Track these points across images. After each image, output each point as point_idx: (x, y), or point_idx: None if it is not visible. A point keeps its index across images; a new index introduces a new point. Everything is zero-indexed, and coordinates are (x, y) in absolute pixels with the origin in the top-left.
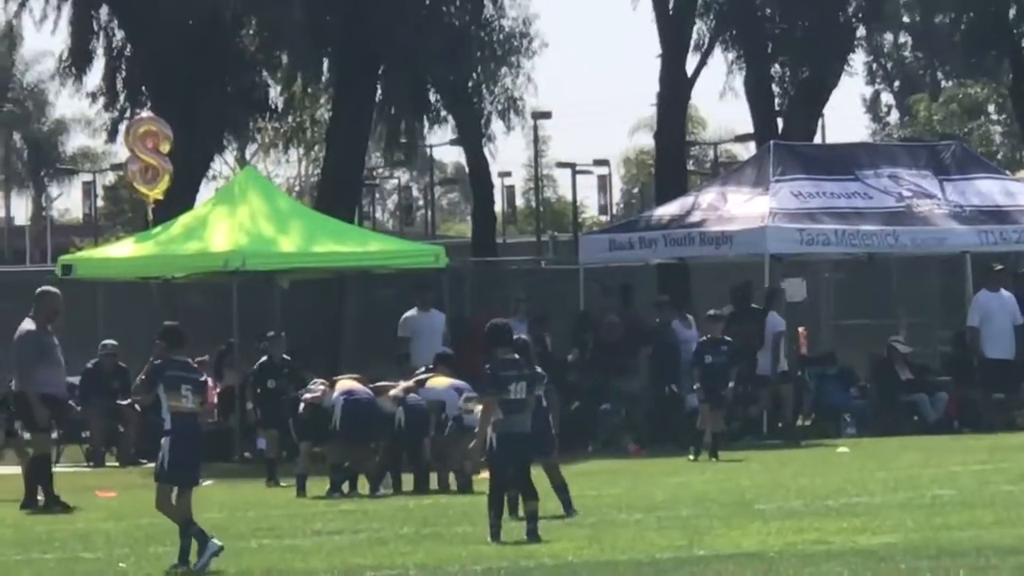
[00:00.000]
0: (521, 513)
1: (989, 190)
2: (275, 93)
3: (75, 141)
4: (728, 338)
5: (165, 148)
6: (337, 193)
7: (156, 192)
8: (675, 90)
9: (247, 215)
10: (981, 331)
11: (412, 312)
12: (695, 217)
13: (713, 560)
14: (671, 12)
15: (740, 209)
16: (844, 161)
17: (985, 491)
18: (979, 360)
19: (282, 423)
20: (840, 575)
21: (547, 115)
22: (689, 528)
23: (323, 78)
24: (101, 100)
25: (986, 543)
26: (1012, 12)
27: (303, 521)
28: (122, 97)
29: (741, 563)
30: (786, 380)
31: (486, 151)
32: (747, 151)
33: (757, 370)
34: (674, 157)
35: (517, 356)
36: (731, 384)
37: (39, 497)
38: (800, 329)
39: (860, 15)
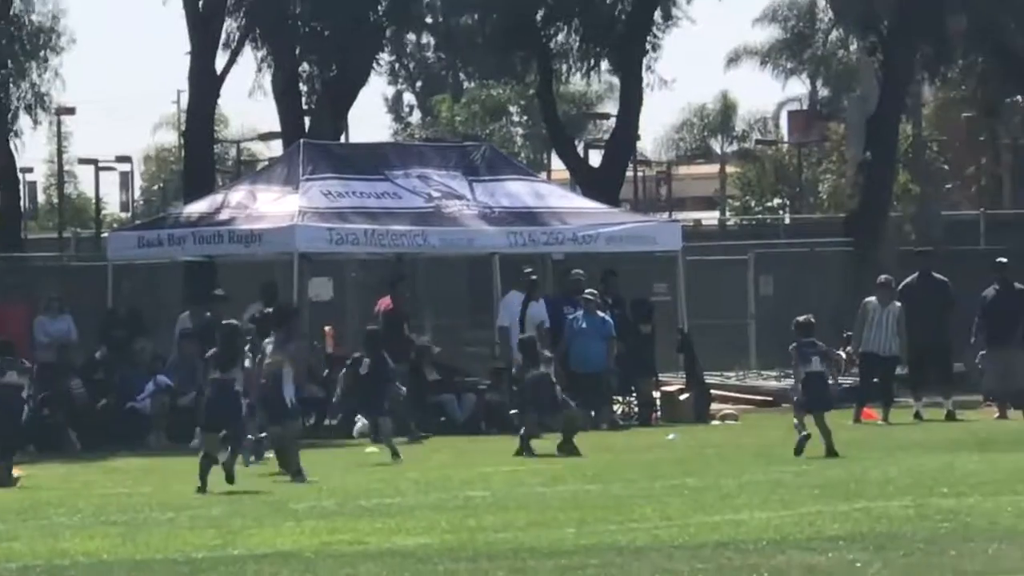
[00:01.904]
0: None
1: (519, 192)
2: None
3: None
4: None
5: None
6: None
7: None
8: (204, 88)
9: None
10: (511, 331)
11: None
12: (224, 215)
13: (249, 560)
14: (201, 9)
15: (270, 207)
16: (374, 161)
17: (518, 493)
18: (508, 361)
19: None
20: (379, 575)
21: (71, 111)
22: (223, 527)
23: None
24: None
25: (522, 545)
26: (540, 14)
27: None
28: None
29: (277, 563)
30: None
31: (12, 146)
32: (269, 150)
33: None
34: (202, 155)
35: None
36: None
37: None
38: (327, 328)
39: (388, 15)
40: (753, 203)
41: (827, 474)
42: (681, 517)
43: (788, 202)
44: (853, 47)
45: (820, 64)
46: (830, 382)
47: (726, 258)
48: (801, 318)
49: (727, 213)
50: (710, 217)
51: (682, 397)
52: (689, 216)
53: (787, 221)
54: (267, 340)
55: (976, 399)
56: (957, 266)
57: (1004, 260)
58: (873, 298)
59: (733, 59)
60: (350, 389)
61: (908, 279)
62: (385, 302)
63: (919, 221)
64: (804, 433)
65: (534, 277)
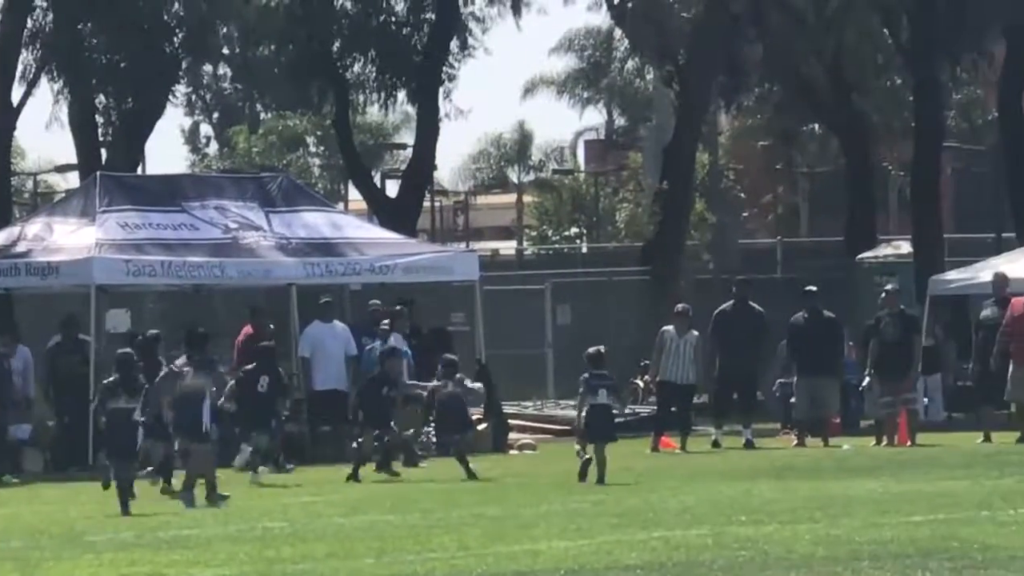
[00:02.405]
0: None
1: (316, 223)
2: None
3: None
4: None
5: None
6: None
7: None
8: (0, 120)
9: None
10: (312, 362)
11: None
12: (21, 247)
13: None
14: None
15: (67, 240)
16: (171, 192)
17: (316, 524)
18: (307, 392)
19: None
20: None
21: None
22: (20, 560)
23: None
24: None
25: (320, 575)
26: (336, 44)
27: None
28: None
29: None
30: None
31: None
32: (66, 182)
33: None
34: None
35: None
36: None
37: None
38: None
39: (184, 46)
40: (550, 232)
41: (625, 503)
42: (479, 547)
43: (585, 231)
44: (650, 76)
45: (617, 93)
46: (617, 414)
47: (523, 288)
48: (591, 350)
49: (524, 243)
50: (507, 247)
51: (480, 427)
52: (487, 246)
53: (584, 250)
54: (178, 363)
55: (773, 427)
56: (754, 294)
57: (814, 288)
58: (671, 327)
59: (529, 89)
60: (243, 406)
61: (723, 306)
62: (246, 329)
63: (716, 250)
64: (585, 457)
65: (398, 307)
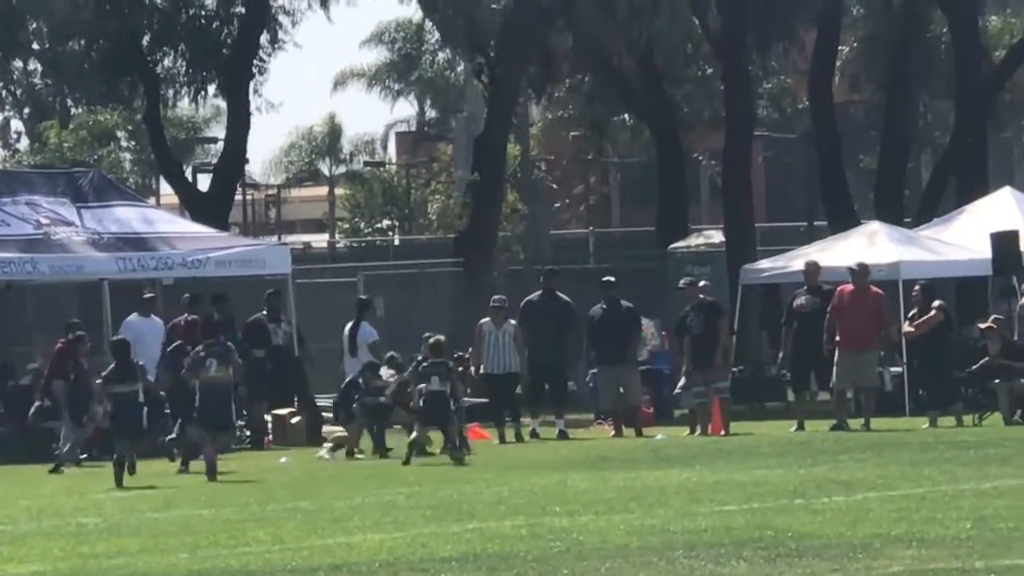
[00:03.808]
0: None
1: (127, 217)
2: None
3: None
4: None
5: None
6: None
7: None
8: None
9: None
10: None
11: None
12: None
13: None
14: None
15: None
16: None
17: (130, 519)
18: None
19: None
20: None
21: None
22: None
23: None
24: None
25: (135, 571)
26: (146, 39)
27: None
28: None
29: None
30: None
31: None
32: None
33: None
34: None
35: None
36: None
37: None
38: None
39: None
40: (362, 225)
41: (439, 495)
42: (294, 540)
43: (397, 224)
44: (460, 68)
45: (427, 85)
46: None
47: (336, 280)
48: (432, 340)
49: (337, 235)
50: (320, 240)
51: (293, 420)
52: (299, 239)
53: (397, 243)
54: (197, 351)
55: (587, 418)
56: (566, 285)
57: (612, 279)
58: (488, 319)
59: (340, 82)
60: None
61: (531, 296)
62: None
63: (528, 241)
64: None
65: (363, 297)
